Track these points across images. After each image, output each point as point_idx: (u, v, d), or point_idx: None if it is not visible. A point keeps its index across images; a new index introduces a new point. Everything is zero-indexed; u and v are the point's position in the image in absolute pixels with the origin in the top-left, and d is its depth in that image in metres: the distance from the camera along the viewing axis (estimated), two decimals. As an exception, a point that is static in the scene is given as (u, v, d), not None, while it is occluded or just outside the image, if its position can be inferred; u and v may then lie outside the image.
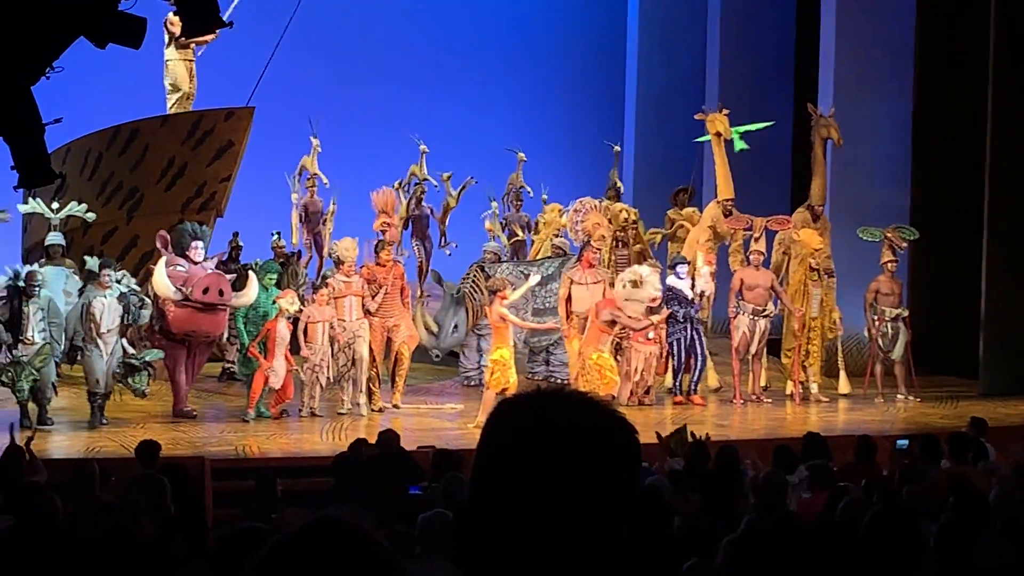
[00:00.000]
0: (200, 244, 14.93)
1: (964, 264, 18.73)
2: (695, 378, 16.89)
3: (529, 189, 20.92)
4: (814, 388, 17.45)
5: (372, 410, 15.72)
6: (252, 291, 15.13)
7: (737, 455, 10.57)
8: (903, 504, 7.96)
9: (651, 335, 16.30)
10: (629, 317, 15.79)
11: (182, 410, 14.90)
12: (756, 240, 17.41)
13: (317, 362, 15.28)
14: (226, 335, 16.04)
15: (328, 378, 15.47)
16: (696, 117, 18.69)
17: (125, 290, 14.68)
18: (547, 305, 17.02)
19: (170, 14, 17.59)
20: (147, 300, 14.66)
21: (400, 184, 20.39)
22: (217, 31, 17.00)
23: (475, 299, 16.86)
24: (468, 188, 20.64)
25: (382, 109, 24.34)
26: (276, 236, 18.93)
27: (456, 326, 16.79)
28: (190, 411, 14.98)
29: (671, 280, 16.84)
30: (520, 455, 1.96)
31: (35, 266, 15.01)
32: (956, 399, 17.59)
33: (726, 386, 17.18)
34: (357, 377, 15.60)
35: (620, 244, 18.04)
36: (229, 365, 17.43)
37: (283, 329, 15.01)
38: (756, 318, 17.01)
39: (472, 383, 17.42)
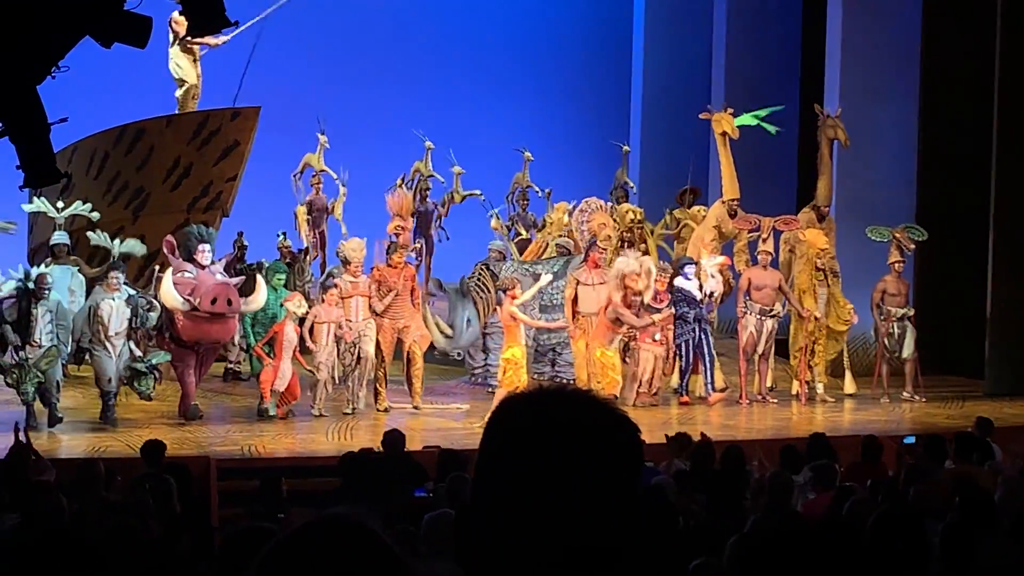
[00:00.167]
0: (207, 247, 14.85)
1: (970, 264, 18.71)
2: (709, 379, 16.84)
3: (536, 188, 20.90)
4: (820, 388, 17.43)
5: (378, 410, 15.72)
6: (260, 297, 15.09)
7: (743, 455, 10.57)
8: (908, 504, 7.95)
9: (658, 336, 16.28)
10: (630, 315, 15.86)
11: (187, 409, 14.86)
12: (764, 240, 17.38)
13: (323, 359, 15.28)
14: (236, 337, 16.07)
15: (334, 378, 15.48)
16: (701, 116, 18.67)
17: (133, 292, 14.68)
18: (554, 302, 17.02)
19: (175, 13, 17.57)
20: (155, 302, 14.64)
21: (403, 180, 20.38)
22: (224, 35, 17.11)
23: (482, 296, 16.88)
24: (474, 198, 20.58)
25: (387, 107, 24.32)
26: (282, 236, 18.92)
27: (468, 320, 16.85)
28: (198, 413, 14.91)
29: (679, 281, 16.81)
30: (521, 454, 1.96)
31: (44, 267, 15.01)
32: (962, 399, 17.58)
33: (732, 386, 17.15)
34: (361, 375, 15.61)
35: (626, 245, 18.02)
36: (232, 365, 17.43)
37: (291, 332, 15.00)
38: (763, 318, 16.99)
39: (478, 382, 17.41)
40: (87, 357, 14.96)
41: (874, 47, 19.68)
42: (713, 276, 16.93)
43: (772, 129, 18.74)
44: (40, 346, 14.12)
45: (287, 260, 17.72)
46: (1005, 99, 18.19)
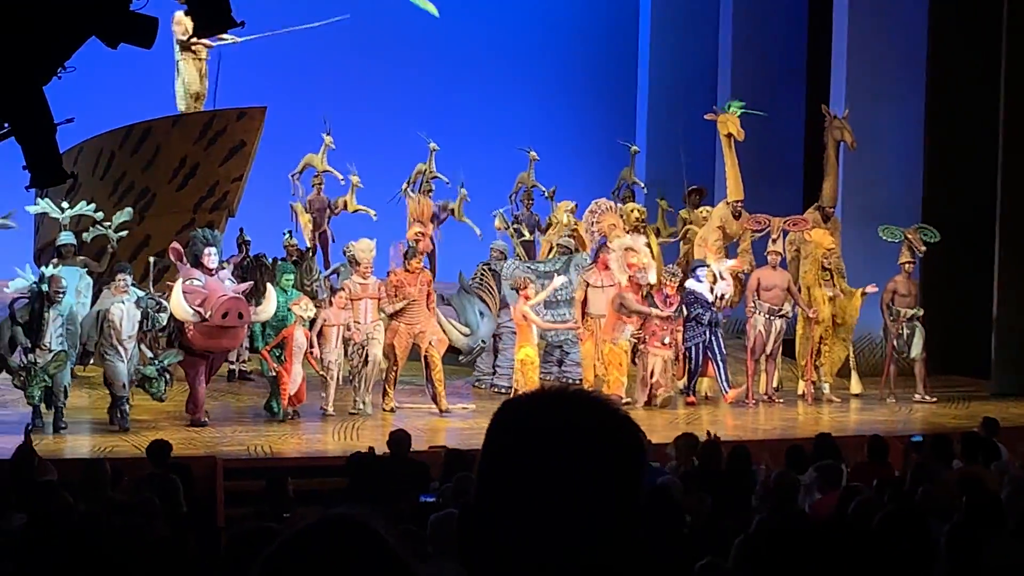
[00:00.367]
0: (213, 250, 14.72)
1: (976, 265, 18.70)
2: (723, 378, 16.82)
3: (543, 188, 20.89)
4: (826, 388, 17.42)
5: (384, 410, 15.70)
6: (271, 306, 14.97)
7: (749, 455, 10.57)
8: (915, 504, 7.95)
9: (667, 340, 16.25)
10: (636, 300, 15.85)
11: (198, 419, 14.83)
12: (774, 241, 17.36)
13: (333, 360, 15.26)
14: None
15: (338, 380, 15.46)
16: (706, 118, 18.66)
17: (141, 294, 14.66)
18: (558, 298, 16.98)
19: (177, 14, 17.58)
20: (163, 303, 14.62)
21: (408, 185, 20.35)
22: (230, 36, 17.12)
23: (490, 295, 16.90)
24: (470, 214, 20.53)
25: (391, 107, 24.32)
26: (287, 235, 18.91)
27: (481, 313, 16.87)
28: (205, 421, 14.88)
29: (691, 284, 16.77)
30: (524, 455, 1.96)
31: (52, 269, 15.00)
32: (968, 399, 17.56)
33: (737, 386, 17.11)
34: (368, 377, 15.60)
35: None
36: (237, 365, 17.43)
37: (300, 337, 14.93)
38: (772, 318, 16.97)
39: (484, 386, 17.38)
40: (92, 360, 14.95)
41: (880, 48, 19.65)
42: (724, 278, 16.90)
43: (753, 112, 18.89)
44: (50, 350, 14.10)
45: (294, 259, 17.69)
46: (1011, 99, 18.18)
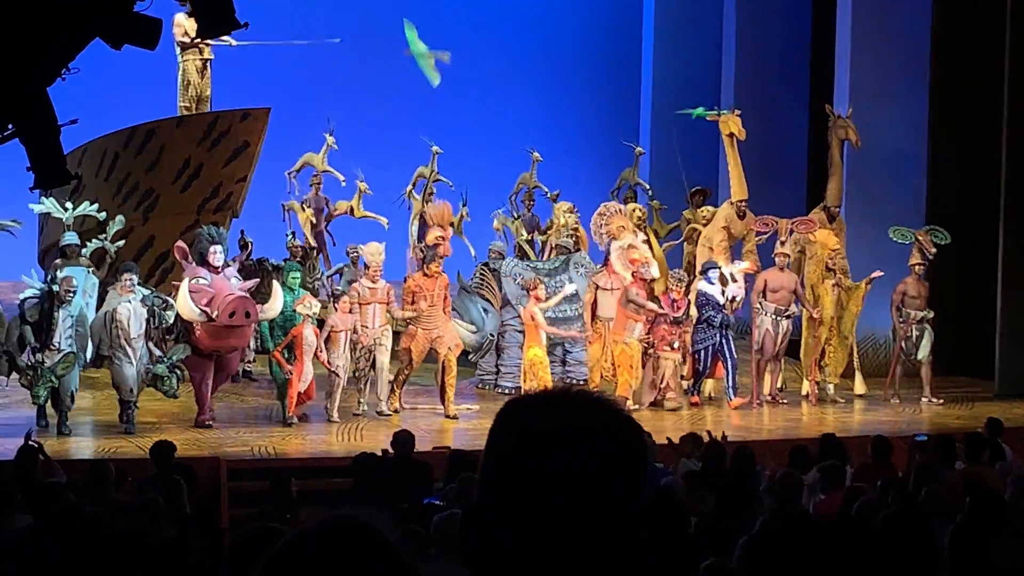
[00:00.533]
0: (219, 248, 14.68)
1: (980, 264, 18.68)
2: (731, 383, 16.78)
3: (545, 189, 20.84)
4: (831, 389, 17.40)
5: (387, 410, 15.67)
6: (277, 304, 14.91)
7: (753, 456, 10.57)
8: (918, 505, 7.94)
9: (676, 344, 16.21)
10: (644, 298, 15.82)
11: (204, 421, 14.82)
12: (783, 243, 17.35)
13: (341, 364, 15.19)
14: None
15: (343, 383, 15.39)
16: (709, 118, 18.65)
17: (147, 292, 14.65)
18: (555, 294, 16.89)
19: (177, 16, 17.60)
20: (169, 300, 14.61)
21: (412, 188, 20.31)
22: (227, 39, 17.12)
23: (492, 293, 16.89)
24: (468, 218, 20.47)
25: (393, 109, 24.30)
26: (291, 236, 18.89)
27: (485, 310, 16.87)
28: (210, 423, 14.86)
29: (702, 286, 16.75)
30: (526, 455, 1.97)
31: (63, 271, 14.99)
32: (972, 400, 17.54)
33: (742, 387, 17.08)
34: (376, 380, 15.53)
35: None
36: (240, 365, 17.41)
37: (309, 335, 14.86)
38: (779, 318, 16.94)
39: (488, 387, 17.36)
40: (106, 364, 14.91)
41: (883, 47, 19.64)
42: (735, 280, 16.85)
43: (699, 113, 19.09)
44: (59, 350, 14.08)
45: (298, 259, 17.69)
46: (1015, 99, 18.17)
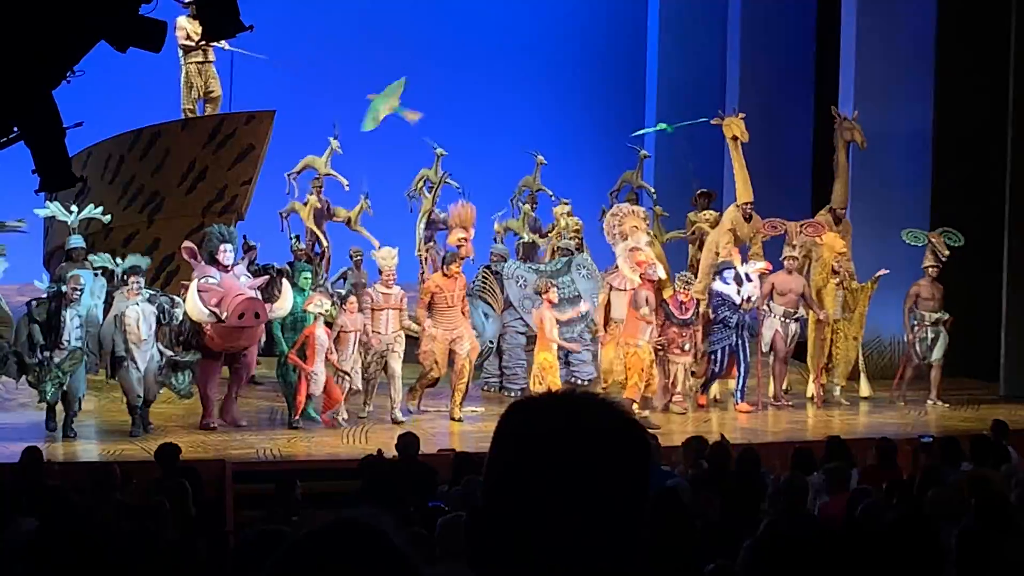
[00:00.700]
0: (229, 247, 14.62)
1: (985, 266, 18.66)
2: (740, 386, 16.76)
3: (549, 192, 20.83)
4: (837, 391, 17.38)
5: (409, 411, 15.54)
6: (287, 302, 14.84)
7: (758, 458, 10.56)
8: (924, 507, 7.94)
9: (687, 346, 16.16)
10: (646, 296, 15.77)
11: (207, 423, 14.83)
12: (794, 247, 17.32)
13: (350, 367, 15.10)
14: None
15: (355, 386, 15.31)
16: (712, 122, 18.64)
17: (153, 292, 14.65)
18: (561, 296, 16.89)
19: (179, 19, 17.61)
20: (177, 299, 14.62)
21: (413, 190, 20.29)
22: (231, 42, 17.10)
23: (493, 297, 16.88)
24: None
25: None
26: (295, 239, 18.88)
27: (486, 315, 16.85)
28: (214, 425, 14.86)
29: (718, 286, 16.72)
30: (531, 457, 1.97)
31: (76, 270, 15.00)
32: (978, 402, 17.53)
33: (751, 404, 16.92)
34: (391, 390, 15.41)
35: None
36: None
37: (322, 335, 14.76)
38: (788, 321, 16.92)
39: (493, 389, 17.35)
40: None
41: (888, 49, 19.64)
42: (750, 280, 16.81)
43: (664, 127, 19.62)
44: (67, 349, 14.07)
45: (303, 262, 17.66)
46: (1021, 99, 18.16)
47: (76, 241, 16.15)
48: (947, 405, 17.23)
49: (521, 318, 17.25)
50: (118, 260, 15.77)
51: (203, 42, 17.17)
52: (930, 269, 17.36)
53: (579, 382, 16.96)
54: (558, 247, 18.56)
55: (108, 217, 16.78)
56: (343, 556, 1.88)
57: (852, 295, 17.41)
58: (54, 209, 16.47)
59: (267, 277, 15.24)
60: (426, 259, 19.38)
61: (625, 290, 16.34)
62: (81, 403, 14.44)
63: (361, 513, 1.95)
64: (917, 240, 17.64)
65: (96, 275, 15.77)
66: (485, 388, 17.41)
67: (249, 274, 14.90)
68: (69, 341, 14.05)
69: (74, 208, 16.49)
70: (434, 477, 10.95)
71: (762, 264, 17.21)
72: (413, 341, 15.95)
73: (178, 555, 7.34)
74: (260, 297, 14.58)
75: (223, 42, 16.80)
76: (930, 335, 17.31)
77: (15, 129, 9.39)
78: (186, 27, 17.79)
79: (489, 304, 16.95)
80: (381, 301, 15.47)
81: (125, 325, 14.20)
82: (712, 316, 16.65)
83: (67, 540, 6.93)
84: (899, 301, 17.66)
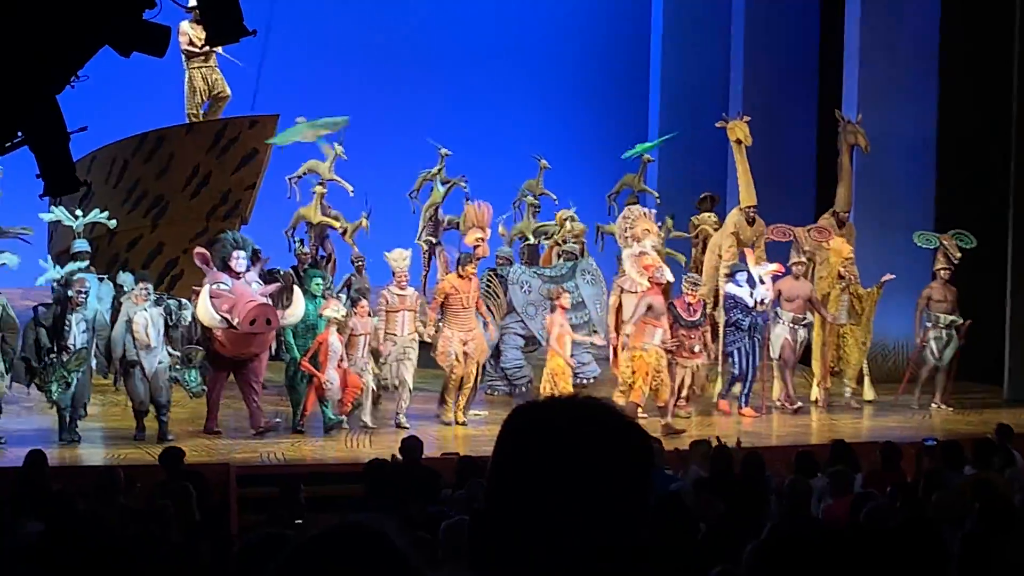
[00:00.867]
0: (242, 254, 14.56)
1: (989, 269, 18.64)
2: (746, 391, 16.74)
3: (552, 196, 20.84)
4: (847, 393, 17.31)
5: (445, 422, 15.42)
6: (299, 309, 14.73)
7: (763, 461, 10.56)
8: (927, 510, 7.94)
9: (696, 348, 16.10)
10: (652, 300, 15.71)
11: (212, 428, 14.81)
12: (801, 252, 17.29)
13: (361, 369, 15.02)
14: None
15: (372, 388, 15.21)
16: (717, 125, 18.64)
17: (159, 295, 14.63)
18: (554, 307, 16.86)
19: (182, 24, 17.62)
20: (184, 301, 14.61)
21: (416, 191, 20.29)
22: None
23: (495, 302, 16.88)
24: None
25: (400, 116, 24.30)
26: (299, 243, 18.88)
27: (485, 324, 16.82)
28: (218, 429, 14.84)
29: (731, 288, 16.69)
30: (532, 461, 1.98)
31: (83, 272, 15.00)
32: (982, 406, 17.51)
33: (756, 410, 16.87)
34: (398, 396, 15.34)
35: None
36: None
37: (335, 342, 14.65)
38: (796, 327, 16.90)
39: (496, 392, 17.34)
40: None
41: (892, 52, 19.63)
42: (763, 282, 16.78)
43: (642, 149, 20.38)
44: (73, 351, 14.06)
45: (304, 267, 17.66)
46: (1024, 103, 18.17)
47: (81, 245, 16.16)
48: (951, 409, 17.20)
49: (521, 320, 17.24)
50: (114, 222, 15.96)
51: (206, 47, 17.21)
52: (942, 271, 17.30)
53: (582, 383, 16.94)
54: (563, 251, 18.54)
55: (114, 222, 16.80)
56: (346, 560, 1.88)
57: (859, 300, 17.38)
58: (59, 214, 16.49)
59: (279, 284, 15.19)
60: (427, 258, 19.44)
61: (636, 292, 16.31)
62: (86, 408, 14.45)
63: (364, 517, 1.96)
64: (929, 242, 17.59)
65: (101, 279, 15.80)
66: (489, 392, 17.40)
67: (261, 281, 14.84)
68: (75, 345, 14.04)
69: (79, 212, 16.51)
70: (438, 481, 10.96)
71: (774, 266, 17.15)
72: (424, 346, 15.87)
73: (182, 558, 7.35)
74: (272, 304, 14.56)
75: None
76: (945, 336, 17.24)
77: (19, 134, 9.40)
78: (189, 32, 17.80)
79: (490, 309, 16.90)
80: (397, 303, 15.33)
81: (134, 331, 14.19)
82: (725, 319, 16.63)
83: (72, 543, 6.94)
84: (902, 304, 17.64)
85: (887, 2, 19.77)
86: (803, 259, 17.25)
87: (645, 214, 17.56)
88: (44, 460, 10.96)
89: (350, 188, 19.46)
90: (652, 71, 25.17)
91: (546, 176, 20.96)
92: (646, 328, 15.73)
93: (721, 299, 17.49)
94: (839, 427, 16.00)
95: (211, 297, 14.12)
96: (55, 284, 15.12)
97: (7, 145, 9.40)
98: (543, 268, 18.03)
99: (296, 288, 15.08)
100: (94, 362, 14.54)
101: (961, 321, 17.21)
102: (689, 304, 16.11)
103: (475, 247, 16.27)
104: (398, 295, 15.40)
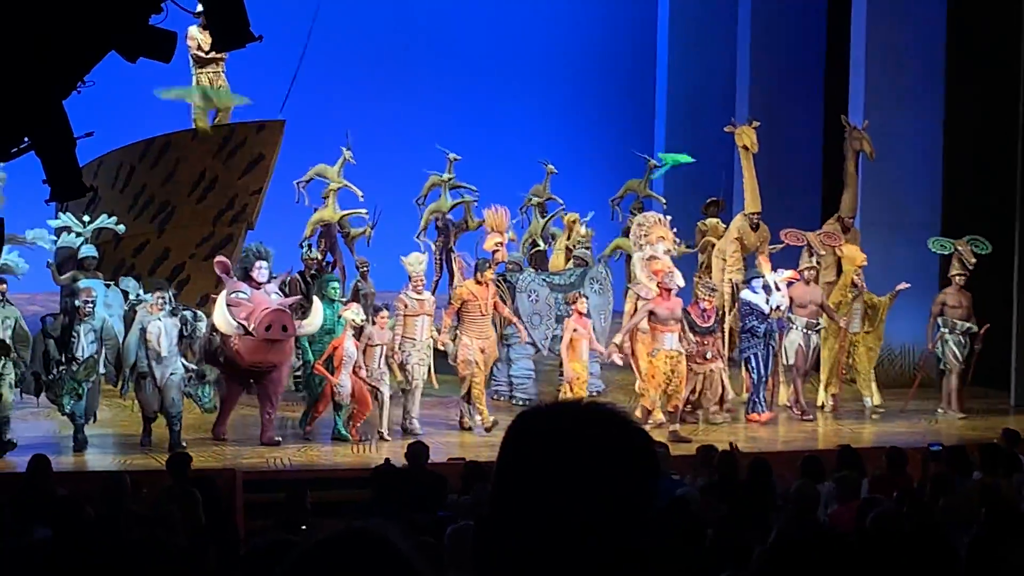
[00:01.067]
0: (264, 264, 14.51)
1: (995, 274, 18.61)
2: (759, 397, 16.69)
3: (559, 201, 20.81)
4: (868, 402, 17.21)
5: (486, 430, 15.26)
6: (317, 319, 14.65)
7: (769, 467, 10.56)
8: (934, 515, 7.93)
9: (708, 354, 16.05)
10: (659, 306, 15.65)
11: (221, 433, 14.81)
12: (813, 257, 17.27)
13: (378, 378, 14.92)
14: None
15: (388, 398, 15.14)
16: (725, 130, 18.64)
17: (176, 305, 14.60)
18: (570, 312, 16.86)
19: (191, 29, 17.60)
20: (200, 312, 14.61)
21: (422, 198, 20.27)
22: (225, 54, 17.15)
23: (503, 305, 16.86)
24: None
25: (410, 122, 24.32)
26: (307, 248, 18.86)
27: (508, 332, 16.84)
28: (225, 435, 14.84)
29: (746, 295, 16.66)
30: (537, 466, 1.98)
31: (85, 283, 14.98)
32: (988, 411, 17.47)
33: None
34: (408, 402, 15.27)
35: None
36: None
37: (351, 347, 14.58)
38: (809, 333, 16.86)
39: (502, 398, 17.31)
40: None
41: (898, 58, 19.63)
42: (778, 289, 16.74)
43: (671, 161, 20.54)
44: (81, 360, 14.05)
45: (311, 272, 17.63)
46: (1030, 109, 18.16)
47: (88, 251, 16.16)
48: (960, 416, 17.16)
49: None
50: (122, 227, 16.02)
51: (212, 52, 17.21)
52: (957, 277, 17.21)
53: (592, 393, 16.91)
54: (574, 256, 18.49)
55: (122, 227, 16.81)
56: (352, 565, 1.88)
57: (872, 308, 17.33)
58: (66, 220, 16.50)
59: (299, 296, 15.15)
60: (438, 265, 19.41)
61: (651, 299, 16.28)
62: (96, 416, 14.46)
63: (370, 522, 1.96)
64: (944, 248, 17.52)
65: (108, 286, 15.80)
66: (495, 397, 17.38)
67: (280, 292, 14.80)
68: (83, 356, 14.03)
69: (85, 218, 16.52)
70: (444, 486, 10.95)
71: (789, 272, 17.11)
72: (437, 353, 15.80)
73: (188, 563, 7.35)
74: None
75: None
76: (963, 341, 17.17)
77: (26, 139, 9.42)
78: (197, 37, 17.78)
79: (516, 313, 16.85)
80: (416, 307, 15.27)
81: (147, 340, 14.16)
82: (740, 326, 16.59)
83: (79, 549, 6.95)
84: (907, 309, 17.62)
85: (893, 8, 19.76)
86: (814, 263, 17.23)
87: (660, 220, 17.48)
88: (48, 465, 10.96)
89: (360, 193, 19.42)
90: (659, 77, 25.18)
91: (553, 181, 20.93)
92: (655, 334, 15.70)
93: (727, 305, 17.49)
94: (845, 432, 15.98)
95: (229, 305, 14.09)
96: (62, 295, 15.03)
97: (14, 151, 9.41)
98: (552, 275, 17.91)
99: (316, 299, 15.03)
100: (103, 370, 14.53)
101: (976, 330, 17.14)
102: (704, 310, 16.06)
103: (494, 252, 16.21)
104: (416, 299, 15.33)
